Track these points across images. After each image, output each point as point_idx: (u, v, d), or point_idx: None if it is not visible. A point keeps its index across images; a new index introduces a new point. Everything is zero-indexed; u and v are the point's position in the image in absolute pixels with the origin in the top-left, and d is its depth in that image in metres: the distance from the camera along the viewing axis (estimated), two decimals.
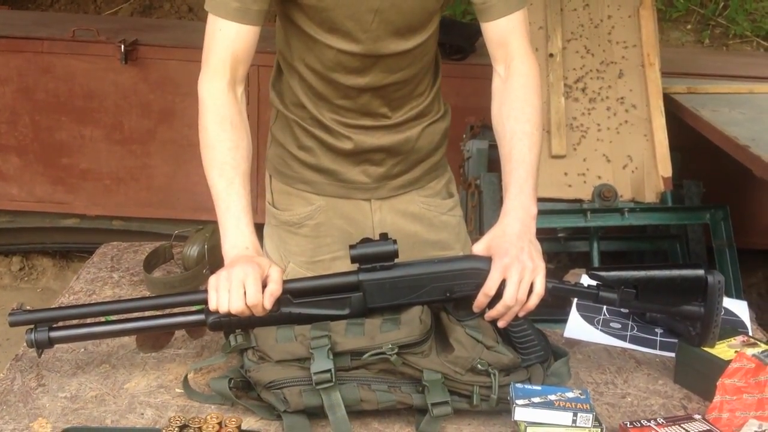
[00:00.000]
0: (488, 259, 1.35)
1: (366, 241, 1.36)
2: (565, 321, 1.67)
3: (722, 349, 1.40)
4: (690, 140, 2.88)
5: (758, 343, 1.43)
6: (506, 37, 1.51)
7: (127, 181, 3.66)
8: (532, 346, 1.36)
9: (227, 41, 1.43)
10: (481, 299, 1.34)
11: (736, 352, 1.36)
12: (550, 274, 1.35)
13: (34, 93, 3.54)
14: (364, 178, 1.64)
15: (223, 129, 1.42)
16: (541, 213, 2.64)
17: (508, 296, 1.31)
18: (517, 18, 1.51)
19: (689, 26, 4.94)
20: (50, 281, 3.93)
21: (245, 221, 1.38)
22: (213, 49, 1.44)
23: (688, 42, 4.89)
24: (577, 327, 1.66)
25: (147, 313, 1.41)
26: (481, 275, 1.33)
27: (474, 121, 3.13)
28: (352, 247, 1.34)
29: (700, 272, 1.35)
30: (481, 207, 2.87)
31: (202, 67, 1.45)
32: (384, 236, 1.36)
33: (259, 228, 1.46)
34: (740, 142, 2.42)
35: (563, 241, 3.01)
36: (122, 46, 3.42)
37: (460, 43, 3.53)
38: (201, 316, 1.35)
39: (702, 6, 4.96)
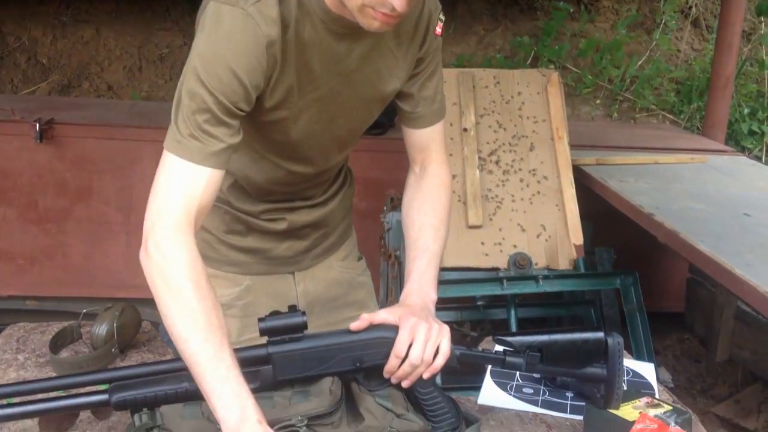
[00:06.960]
0: (395, 328, 1.36)
1: (275, 313, 1.35)
2: (479, 388, 1.68)
3: (627, 411, 1.43)
4: (600, 209, 2.99)
5: (662, 403, 1.47)
6: (427, 143, 1.59)
7: (41, 261, 3.58)
8: (443, 414, 1.37)
9: (197, 190, 1.27)
10: (392, 362, 1.33)
11: (640, 413, 1.40)
12: (465, 343, 1.37)
13: None
14: (289, 253, 1.68)
15: (199, 287, 1.25)
16: (458, 282, 2.74)
17: (414, 355, 1.32)
18: (439, 127, 1.60)
19: (598, 101, 5.17)
20: None
21: (245, 390, 1.21)
22: (175, 198, 1.26)
23: (597, 116, 5.11)
24: (490, 393, 1.67)
25: (50, 395, 1.36)
26: (390, 344, 1.34)
27: (394, 193, 3.18)
28: (260, 320, 1.32)
29: (600, 335, 1.39)
30: (401, 278, 2.90)
31: (158, 218, 1.26)
32: (293, 308, 1.35)
33: None
34: (645, 211, 2.53)
35: (482, 309, 3.05)
36: (37, 125, 3.39)
37: (380, 120, 3.59)
38: (104, 396, 1.31)
39: (610, 82, 5.20)
